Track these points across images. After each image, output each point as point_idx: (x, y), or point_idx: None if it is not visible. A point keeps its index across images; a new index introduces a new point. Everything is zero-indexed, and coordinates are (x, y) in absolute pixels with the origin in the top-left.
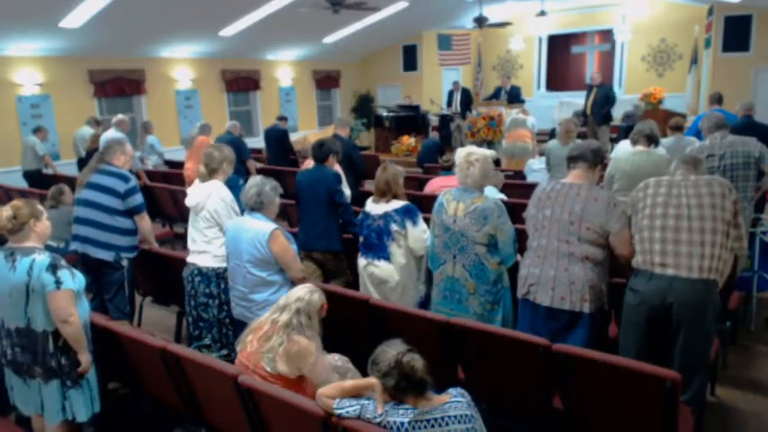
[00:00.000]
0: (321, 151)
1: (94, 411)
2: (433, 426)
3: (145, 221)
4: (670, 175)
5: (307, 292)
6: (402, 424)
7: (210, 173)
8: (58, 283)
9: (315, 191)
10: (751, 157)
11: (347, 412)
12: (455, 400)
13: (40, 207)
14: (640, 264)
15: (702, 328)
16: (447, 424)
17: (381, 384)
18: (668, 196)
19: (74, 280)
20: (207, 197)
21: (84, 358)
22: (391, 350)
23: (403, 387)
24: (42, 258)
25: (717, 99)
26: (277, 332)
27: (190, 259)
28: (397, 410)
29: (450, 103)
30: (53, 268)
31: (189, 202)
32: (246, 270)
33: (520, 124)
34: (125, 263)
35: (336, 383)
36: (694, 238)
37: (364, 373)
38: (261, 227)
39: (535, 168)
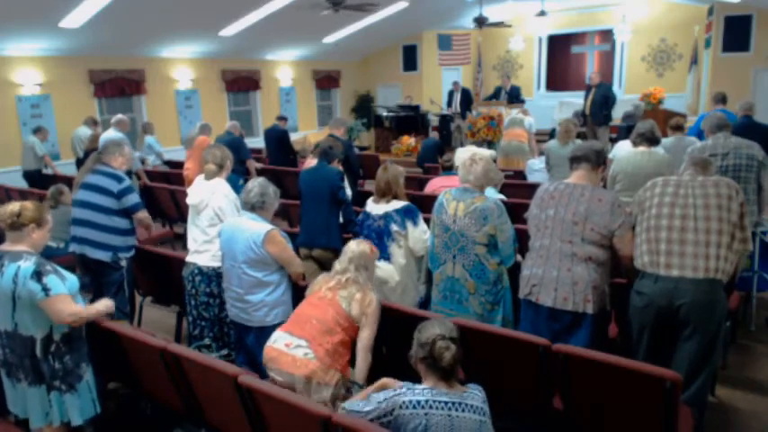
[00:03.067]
0: (327, 155)
1: (95, 413)
2: (449, 408)
3: (140, 217)
4: (678, 175)
5: (354, 247)
6: (419, 402)
7: (218, 169)
8: (45, 290)
9: (317, 188)
10: (754, 160)
11: (376, 404)
12: (473, 392)
13: (47, 216)
14: (647, 265)
15: (709, 328)
16: (463, 411)
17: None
18: (675, 196)
19: (64, 283)
20: (211, 194)
21: (104, 308)
22: (436, 329)
23: (428, 364)
24: (27, 265)
25: (720, 99)
26: (349, 285)
27: (190, 258)
28: (414, 389)
29: (450, 104)
30: (38, 275)
31: (191, 200)
32: (242, 271)
33: (516, 123)
34: (123, 263)
35: (359, 395)
36: (700, 238)
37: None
38: (256, 228)
39: (536, 168)
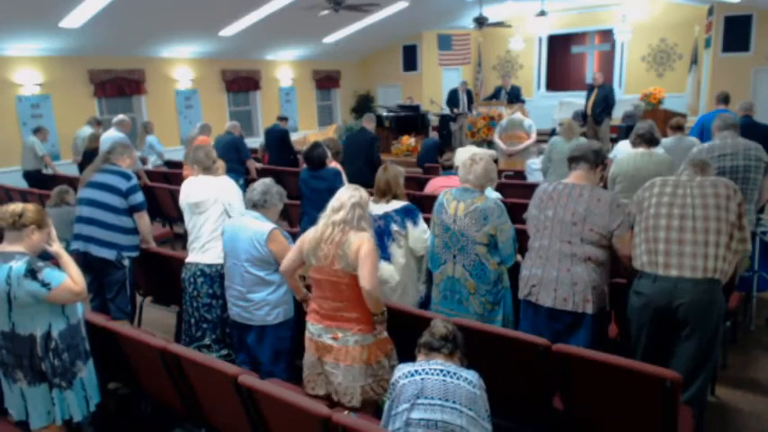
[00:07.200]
0: (313, 162)
1: (90, 411)
2: (444, 375)
3: (144, 220)
4: (677, 175)
5: (353, 190)
6: (416, 371)
7: (213, 163)
8: (45, 285)
9: (316, 188)
10: (761, 161)
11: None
12: (468, 370)
13: (48, 220)
14: (645, 265)
15: (707, 327)
16: (457, 379)
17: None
18: (673, 196)
19: (60, 271)
20: (225, 190)
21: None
22: (439, 320)
23: (425, 343)
24: (19, 265)
25: (723, 99)
26: (340, 230)
27: (191, 259)
28: (412, 363)
29: (456, 103)
30: (32, 274)
31: (196, 197)
32: (245, 269)
33: (517, 126)
34: (126, 262)
35: None
36: (698, 238)
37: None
38: (259, 227)
39: (536, 168)
